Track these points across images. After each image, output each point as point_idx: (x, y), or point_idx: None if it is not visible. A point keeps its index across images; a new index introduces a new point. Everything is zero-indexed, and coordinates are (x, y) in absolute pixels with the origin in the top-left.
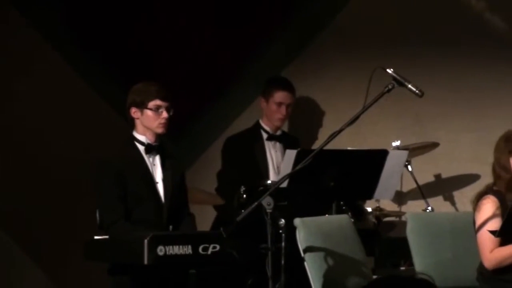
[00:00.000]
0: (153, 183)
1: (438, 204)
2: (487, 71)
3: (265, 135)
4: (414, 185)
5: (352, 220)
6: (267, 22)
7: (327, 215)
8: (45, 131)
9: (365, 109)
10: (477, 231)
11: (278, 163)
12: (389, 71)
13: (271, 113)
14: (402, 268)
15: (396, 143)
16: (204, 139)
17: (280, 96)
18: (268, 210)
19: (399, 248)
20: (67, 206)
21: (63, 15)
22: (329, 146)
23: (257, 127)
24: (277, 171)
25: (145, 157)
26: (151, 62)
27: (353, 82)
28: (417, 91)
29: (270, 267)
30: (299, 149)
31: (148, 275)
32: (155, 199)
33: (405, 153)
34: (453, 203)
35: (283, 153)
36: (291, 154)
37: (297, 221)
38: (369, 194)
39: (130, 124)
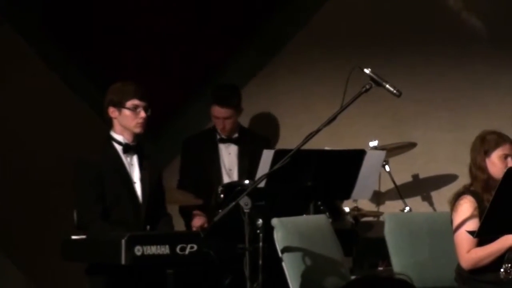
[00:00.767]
0: (130, 183)
1: (416, 204)
2: (464, 71)
3: (218, 137)
4: (392, 185)
5: (330, 220)
6: (245, 21)
7: (304, 215)
8: (21, 131)
9: (342, 109)
10: (455, 231)
11: (231, 166)
12: (367, 71)
13: (215, 123)
14: (380, 268)
15: (374, 143)
16: (182, 139)
17: (215, 110)
18: (245, 210)
19: (377, 248)
20: (44, 206)
21: (41, 15)
22: (306, 146)
23: (213, 129)
24: (230, 174)
25: (123, 157)
26: (129, 61)
27: (331, 82)
28: (394, 91)
29: (247, 267)
30: (276, 149)
31: (126, 275)
32: (132, 199)
33: (382, 153)
34: (431, 203)
35: (239, 156)
36: (269, 154)
37: (274, 221)
38: (347, 194)
39: (108, 124)
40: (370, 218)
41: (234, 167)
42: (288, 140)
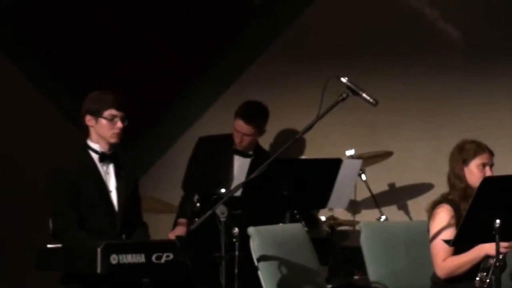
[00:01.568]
0: (106, 192)
1: (392, 213)
2: (441, 81)
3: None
4: (368, 194)
5: (306, 229)
6: (224, 30)
7: (281, 224)
8: None
9: (319, 118)
10: (431, 240)
11: (238, 179)
12: (344, 80)
13: (234, 134)
14: (356, 277)
15: (350, 152)
16: (159, 147)
17: (238, 124)
18: (222, 219)
19: (353, 257)
20: (19, 214)
21: (17, 23)
22: (283, 155)
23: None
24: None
25: (99, 165)
26: (104, 68)
27: (307, 92)
28: (371, 100)
29: (223, 276)
30: (252, 157)
31: (102, 284)
32: (108, 207)
33: (359, 162)
34: (407, 212)
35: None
36: (245, 162)
37: (251, 230)
38: (323, 203)
39: (84, 132)
40: (346, 227)
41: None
42: (266, 149)
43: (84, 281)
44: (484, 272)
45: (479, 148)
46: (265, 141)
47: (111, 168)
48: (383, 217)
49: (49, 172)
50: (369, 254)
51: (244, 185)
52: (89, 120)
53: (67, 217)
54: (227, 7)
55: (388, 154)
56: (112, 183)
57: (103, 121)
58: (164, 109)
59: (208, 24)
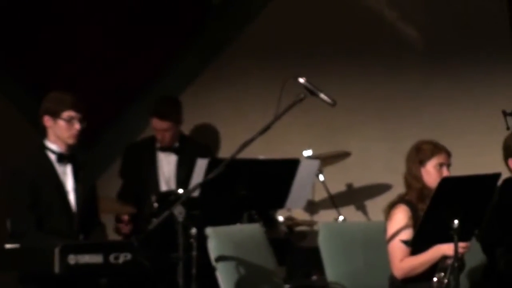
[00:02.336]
0: (64, 192)
1: (350, 213)
2: (399, 81)
3: (158, 145)
4: (326, 195)
5: (264, 229)
6: (180, 30)
7: (238, 224)
8: None
9: (277, 118)
10: (389, 240)
11: (170, 175)
12: (301, 80)
13: (155, 133)
14: (314, 277)
15: (308, 152)
16: (117, 147)
17: (154, 122)
18: (179, 219)
19: (311, 258)
20: None
21: None
22: (240, 155)
23: (155, 137)
24: (168, 183)
25: (56, 166)
26: (62, 68)
27: (265, 92)
28: (329, 100)
29: (181, 276)
30: (210, 158)
31: (59, 285)
32: (66, 208)
33: (316, 162)
34: (365, 213)
35: (177, 165)
36: (203, 163)
37: (208, 230)
38: (281, 203)
39: (41, 132)
40: (304, 228)
41: (172, 176)
42: (224, 149)
43: (42, 282)
44: (441, 272)
45: (436, 148)
46: (224, 142)
47: (68, 168)
48: (341, 218)
49: (7, 172)
50: (327, 254)
51: (202, 185)
52: (47, 120)
53: (26, 217)
54: (183, 6)
55: (346, 154)
56: (69, 184)
57: (61, 122)
58: (122, 110)
59: (163, 24)
